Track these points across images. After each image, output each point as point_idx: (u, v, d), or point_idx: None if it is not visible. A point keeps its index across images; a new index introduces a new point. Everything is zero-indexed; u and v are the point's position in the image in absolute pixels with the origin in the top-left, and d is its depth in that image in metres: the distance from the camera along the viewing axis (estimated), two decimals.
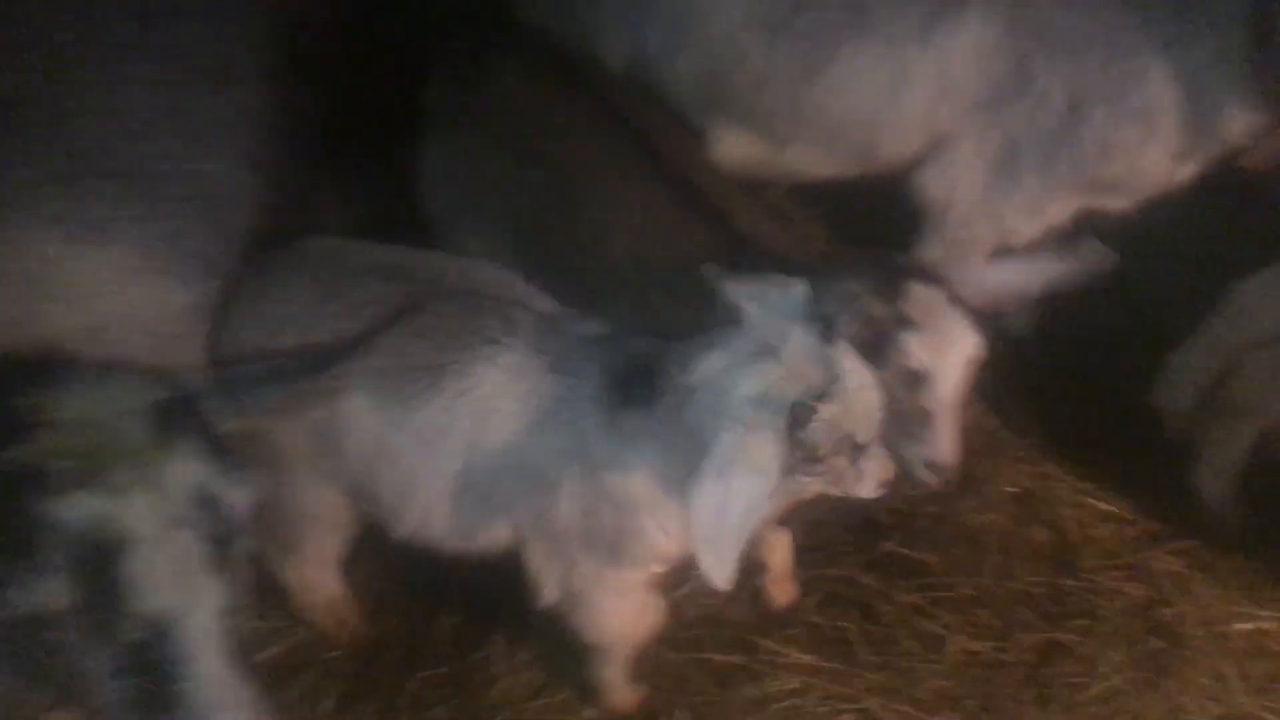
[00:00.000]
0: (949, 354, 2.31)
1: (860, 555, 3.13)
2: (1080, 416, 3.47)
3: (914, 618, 3.03)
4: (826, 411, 1.99)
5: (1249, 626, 3.04)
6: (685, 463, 2.05)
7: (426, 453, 2.33)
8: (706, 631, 2.94)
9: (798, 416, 1.99)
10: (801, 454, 2.02)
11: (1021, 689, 2.90)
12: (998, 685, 2.90)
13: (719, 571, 1.96)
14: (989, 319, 2.37)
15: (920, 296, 2.30)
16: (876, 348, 2.25)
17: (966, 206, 2.96)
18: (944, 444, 2.37)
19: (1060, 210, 2.97)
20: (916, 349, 2.28)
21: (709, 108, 3.09)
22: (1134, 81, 2.67)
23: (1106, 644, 2.98)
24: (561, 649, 2.73)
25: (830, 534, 3.16)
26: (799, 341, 2.03)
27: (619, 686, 2.75)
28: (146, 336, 2.22)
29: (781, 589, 2.97)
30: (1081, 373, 3.56)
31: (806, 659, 2.92)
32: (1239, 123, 2.66)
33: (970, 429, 3.38)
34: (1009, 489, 3.32)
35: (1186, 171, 2.87)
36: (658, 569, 2.43)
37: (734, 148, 3.12)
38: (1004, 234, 3.01)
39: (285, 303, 2.37)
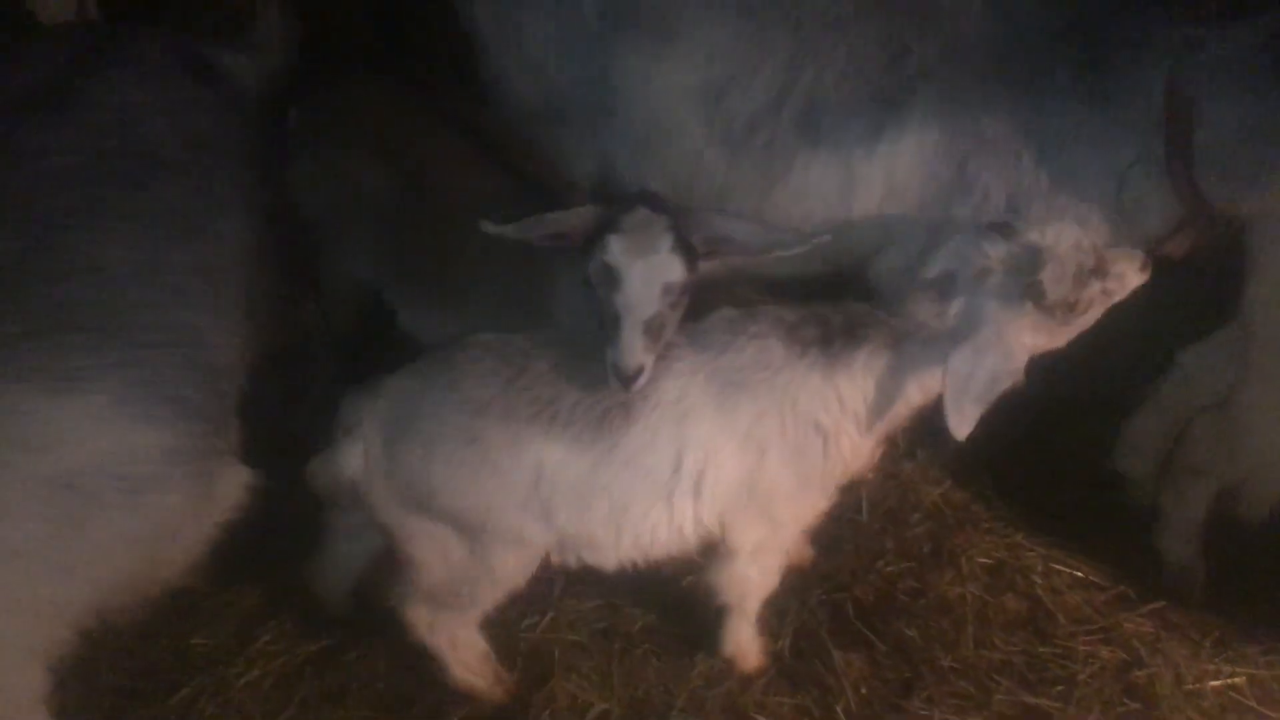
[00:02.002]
0: (640, 259, 2.48)
1: (842, 633, 3.14)
2: (1046, 486, 3.49)
3: (898, 693, 3.02)
4: (1050, 274, 2.44)
5: (1219, 683, 3.03)
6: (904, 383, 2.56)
7: (637, 473, 2.58)
8: (693, 717, 2.95)
9: (1033, 294, 2.44)
10: (1061, 312, 2.49)
11: None
12: None
13: (959, 427, 2.43)
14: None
15: (638, 214, 2.52)
16: (592, 247, 2.51)
17: None
18: (624, 346, 2.47)
19: None
20: (615, 247, 2.48)
21: None
22: (1065, 179, 2.75)
23: (1084, 708, 2.96)
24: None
25: (811, 614, 3.19)
26: (992, 247, 2.48)
27: (756, 642, 3.03)
28: (121, 480, 2.29)
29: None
30: (1045, 444, 3.59)
31: None
32: (1160, 215, 2.74)
33: (941, 504, 3.53)
34: (982, 560, 3.32)
35: None
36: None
37: None
38: None
39: (485, 385, 2.58)
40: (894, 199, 2.96)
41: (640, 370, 2.48)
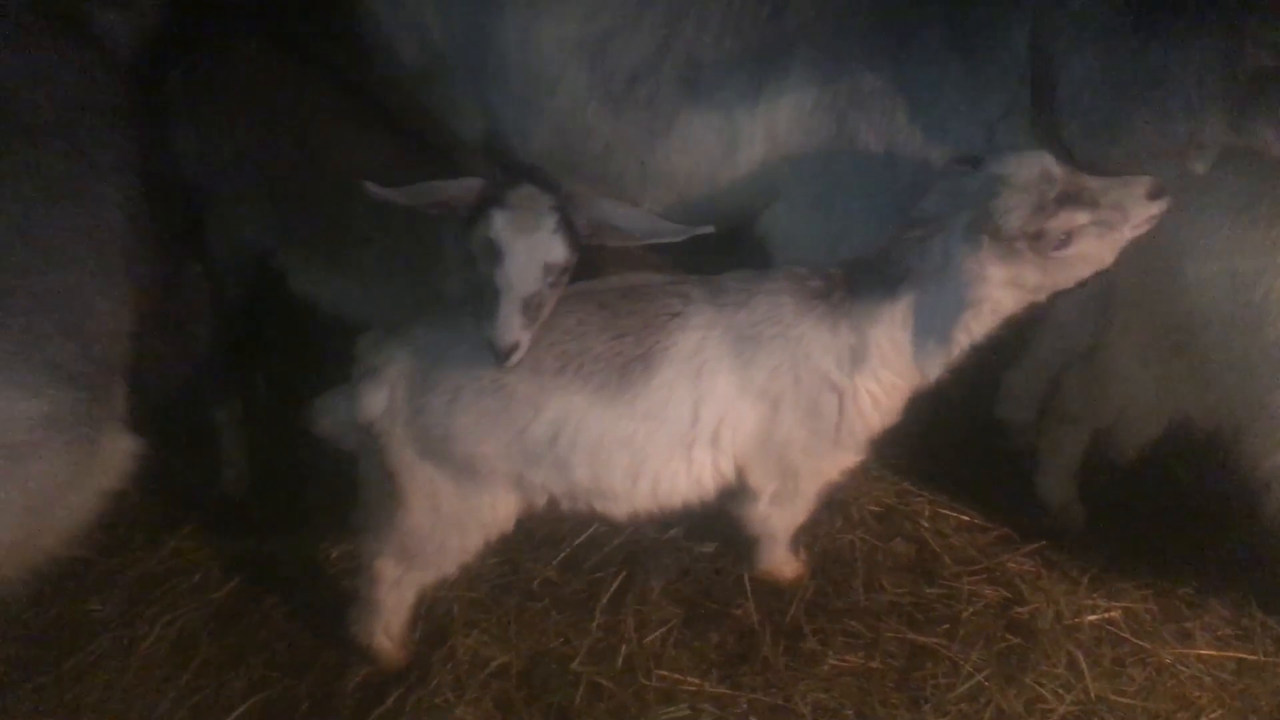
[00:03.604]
0: (523, 237, 2.46)
1: (736, 581, 3.22)
2: (932, 435, 3.54)
3: (791, 636, 3.10)
4: (1000, 205, 2.38)
5: (1096, 617, 3.16)
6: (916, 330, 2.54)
7: (657, 425, 2.61)
8: (593, 667, 3.01)
9: (986, 228, 2.39)
10: (1029, 244, 2.39)
11: (893, 694, 2.99)
12: (872, 693, 2.98)
13: (926, 366, 2.55)
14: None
15: (526, 191, 2.51)
16: (476, 220, 2.50)
17: (806, 248, 3.08)
18: (501, 323, 2.45)
19: None
20: (498, 223, 2.47)
21: (564, 172, 3.17)
22: (938, 132, 2.80)
23: (969, 645, 3.07)
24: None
25: (706, 562, 3.28)
26: (967, 183, 2.46)
27: (791, 559, 3.19)
28: None
29: None
30: (930, 394, 3.70)
31: (694, 683, 2.99)
32: None
33: None
34: (872, 508, 3.43)
35: None
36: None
37: None
38: None
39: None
40: (776, 154, 2.99)
41: (515, 347, 2.47)
